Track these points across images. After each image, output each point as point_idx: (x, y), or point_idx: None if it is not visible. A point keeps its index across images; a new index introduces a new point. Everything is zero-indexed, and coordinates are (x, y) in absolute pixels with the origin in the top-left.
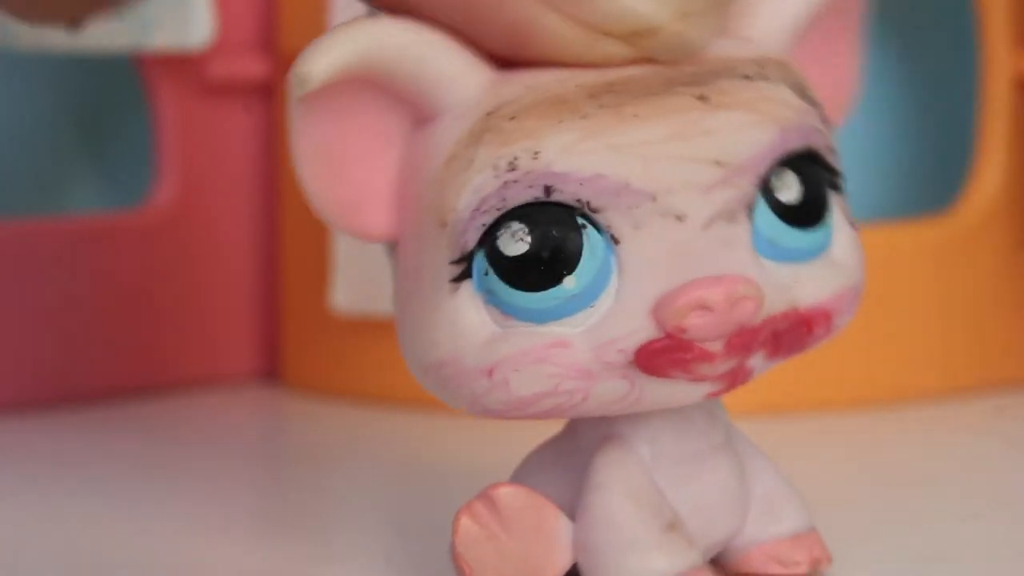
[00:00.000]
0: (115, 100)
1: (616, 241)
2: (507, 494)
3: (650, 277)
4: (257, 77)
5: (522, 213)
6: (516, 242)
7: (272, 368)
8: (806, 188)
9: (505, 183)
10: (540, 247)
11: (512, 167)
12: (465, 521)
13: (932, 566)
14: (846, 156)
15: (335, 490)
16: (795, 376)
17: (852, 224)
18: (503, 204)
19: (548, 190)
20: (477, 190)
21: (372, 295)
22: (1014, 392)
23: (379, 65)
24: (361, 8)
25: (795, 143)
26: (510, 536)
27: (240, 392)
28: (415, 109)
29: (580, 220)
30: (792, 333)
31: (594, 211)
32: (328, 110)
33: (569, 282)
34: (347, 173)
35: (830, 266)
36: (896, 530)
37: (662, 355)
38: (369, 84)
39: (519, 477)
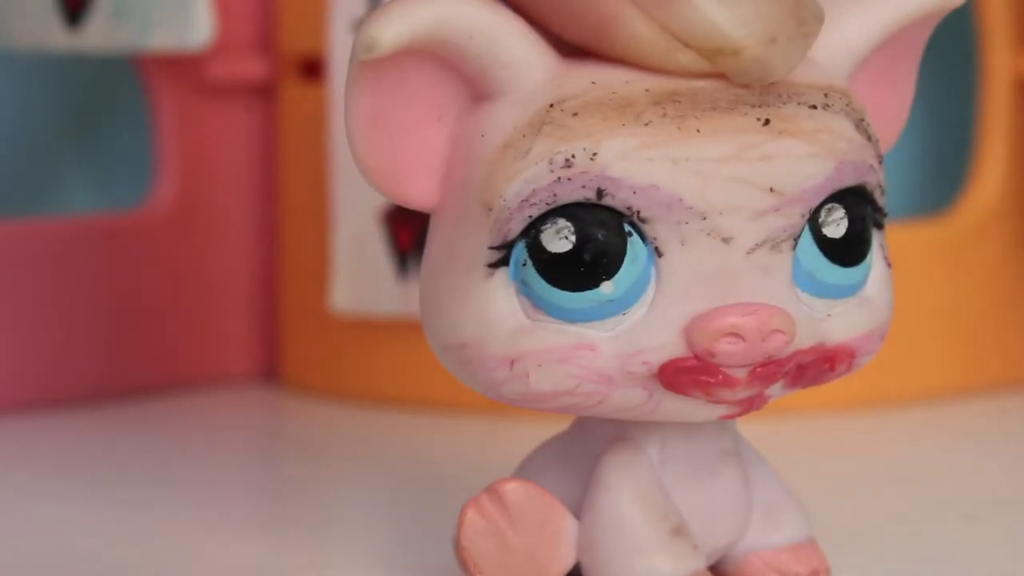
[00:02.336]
0: (115, 100)
1: (660, 254)
2: (514, 489)
3: (687, 294)
4: (257, 77)
5: (570, 212)
6: (560, 239)
7: (272, 368)
8: (852, 226)
9: (559, 179)
10: (583, 248)
11: (568, 164)
12: (471, 514)
13: (932, 566)
14: None
15: (335, 490)
16: None
17: (888, 262)
18: (553, 199)
19: (600, 193)
20: (530, 181)
21: (372, 295)
22: (1014, 392)
23: (447, 39)
24: (361, 9)
25: (849, 179)
26: (516, 532)
27: (240, 392)
28: (475, 86)
29: (627, 227)
30: (815, 367)
31: (643, 221)
32: (387, 77)
33: (607, 287)
34: (398, 141)
35: (862, 305)
36: (896, 530)
37: (686, 374)
38: (433, 56)
39: (524, 472)
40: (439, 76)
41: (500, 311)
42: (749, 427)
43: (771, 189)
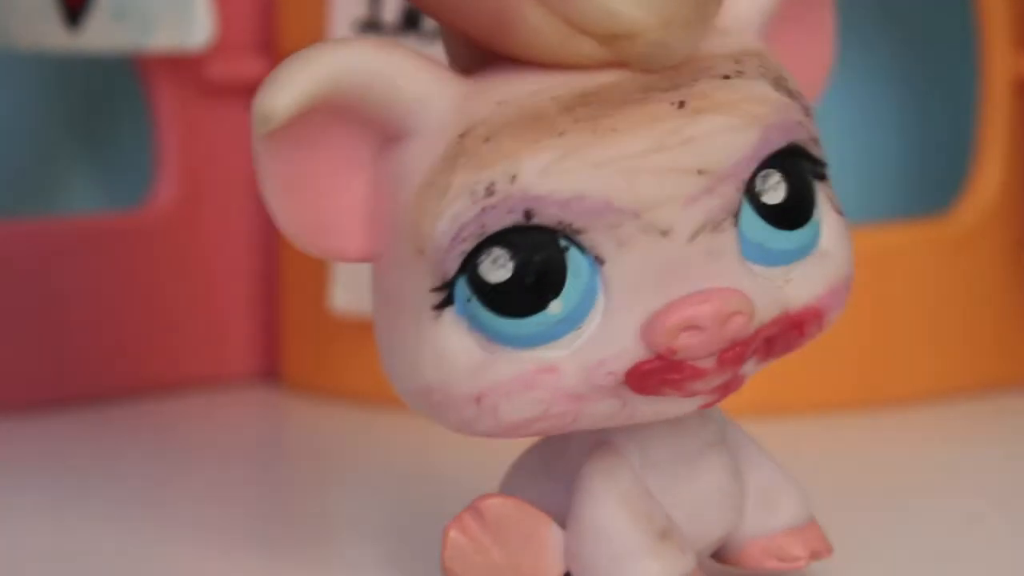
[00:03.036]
0: (115, 100)
1: (601, 262)
2: (495, 505)
3: (637, 296)
4: (257, 77)
5: (503, 238)
6: (498, 268)
7: (272, 369)
8: (791, 187)
9: (483, 209)
10: (523, 273)
11: (490, 192)
12: (453, 535)
13: (932, 566)
14: (847, 157)
15: (335, 491)
16: (794, 377)
17: (839, 211)
18: (482, 230)
19: (528, 214)
20: (455, 217)
21: None
22: (1013, 392)
23: (343, 92)
24: (361, 10)
25: (777, 141)
26: (500, 548)
27: (239, 393)
28: (384, 129)
29: (563, 243)
30: (784, 337)
31: (576, 232)
32: (292, 142)
33: (555, 307)
34: (315, 201)
35: (820, 261)
36: (896, 530)
37: (653, 376)
38: (333, 110)
39: (510, 484)
40: (347, 128)
41: (455, 351)
42: (748, 428)
43: (699, 171)
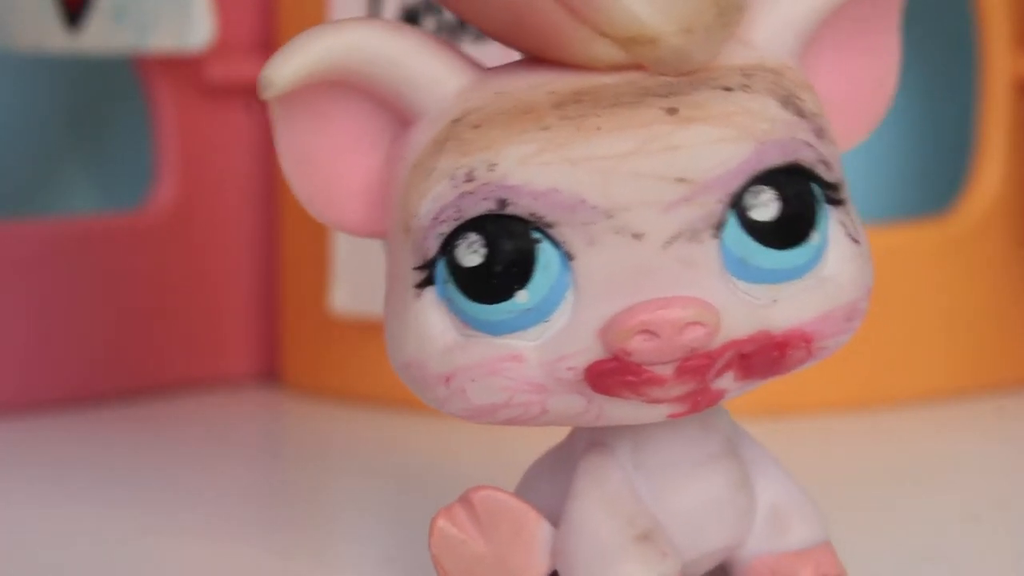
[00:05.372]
0: (115, 101)
1: (571, 257)
2: (484, 497)
3: (603, 296)
4: (257, 78)
5: (478, 224)
6: (471, 253)
7: (272, 369)
8: (785, 206)
9: (462, 194)
10: (493, 260)
11: (469, 178)
12: (441, 523)
13: (932, 566)
14: (847, 157)
15: (334, 491)
16: (795, 377)
17: (854, 239)
18: (459, 215)
19: (502, 203)
20: (437, 199)
21: (372, 296)
22: (1014, 392)
23: (349, 68)
24: (360, 10)
25: (774, 159)
26: (487, 540)
27: (240, 393)
28: (397, 111)
29: (535, 234)
30: (762, 356)
31: (548, 226)
32: (305, 112)
33: (522, 296)
34: (327, 172)
35: (816, 286)
36: (896, 530)
37: (610, 376)
38: (348, 86)
39: (524, 482)
40: (361, 105)
41: (433, 329)
42: (749, 428)
43: (680, 179)
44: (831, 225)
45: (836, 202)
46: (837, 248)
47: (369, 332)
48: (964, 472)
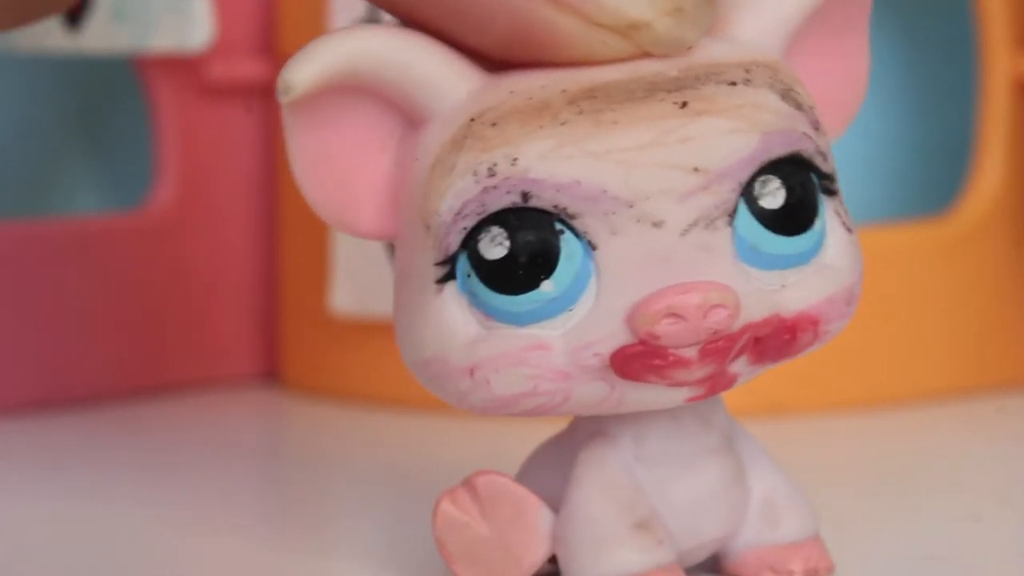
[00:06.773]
0: (115, 101)
1: (594, 247)
2: (486, 482)
3: (627, 283)
4: (257, 78)
5: (501, 218)
6: (495, 246)
7: (272, 370)
8: (790, 194)
9: (485, 188)
10: (518, 252)
11: (491, 173)
12: (445, 505)
13: (932, 566)
14: (847, 157)
15: (335, 491)
16: (796, 376)
17: (848, 228)
18: (483, 209)
19: (526, 196)
20: (459, 194)
21: (372, 297)
22: (1014, 392)
23: (365, 72)
24: (360, 10)
25: (779, 149)
26: (489, 523)
27: (240, 394)
28: (407, 114)
29: (558, 225)
30: (775, 339)
31: (571, 217)
32: (319, 116)
33: (547, 286)
34: (339, 175)
35: (820, 271)
36: (896, 530)
37: (636, 360)
38: (359, 90)
39: (524, 469)
40: (371, 108)
41: (455, 324)
42: (750, 428)
43: (695, 169)
44: (828, 214)
45: (831, 192)
46: (834, 236)
47: (369, 332)
48: (965, 472)
